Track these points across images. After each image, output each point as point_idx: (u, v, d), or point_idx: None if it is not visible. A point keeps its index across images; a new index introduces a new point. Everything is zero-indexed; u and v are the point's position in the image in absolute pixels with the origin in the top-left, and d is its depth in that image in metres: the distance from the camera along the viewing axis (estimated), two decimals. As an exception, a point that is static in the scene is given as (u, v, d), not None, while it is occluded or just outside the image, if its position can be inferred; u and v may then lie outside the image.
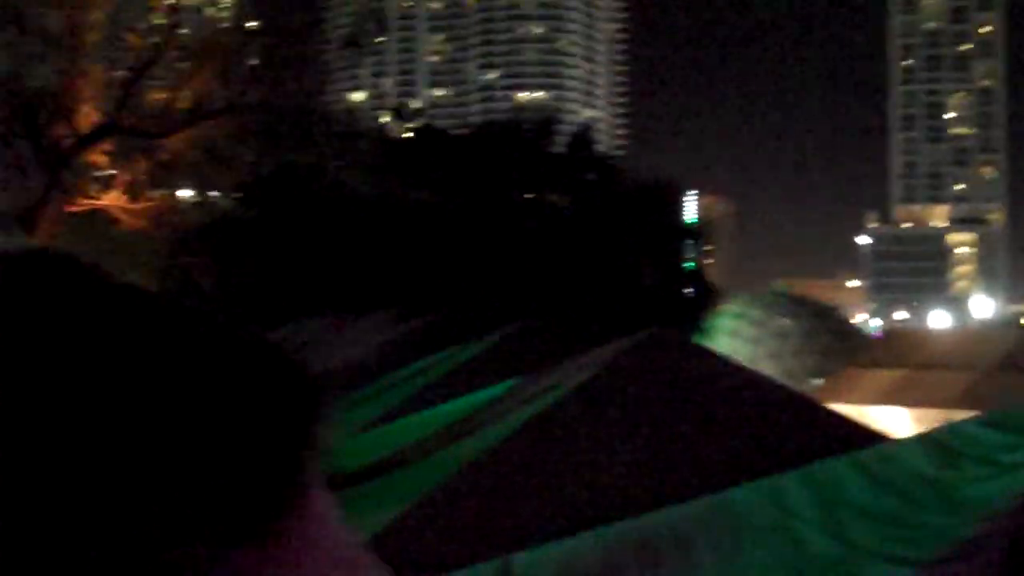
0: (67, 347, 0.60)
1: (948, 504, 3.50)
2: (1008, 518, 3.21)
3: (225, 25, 33.45)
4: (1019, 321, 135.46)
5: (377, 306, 21.22)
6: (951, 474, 3.66)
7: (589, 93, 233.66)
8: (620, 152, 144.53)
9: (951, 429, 3.94)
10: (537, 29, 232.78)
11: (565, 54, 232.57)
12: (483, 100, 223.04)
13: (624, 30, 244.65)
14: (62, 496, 0.53)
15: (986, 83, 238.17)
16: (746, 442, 5.66)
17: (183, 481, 0.59)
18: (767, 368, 18.38)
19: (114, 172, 32.19)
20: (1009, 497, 3.27)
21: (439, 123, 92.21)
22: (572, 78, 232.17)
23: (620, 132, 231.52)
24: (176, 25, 28.00)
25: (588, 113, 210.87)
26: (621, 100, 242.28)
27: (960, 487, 3.55)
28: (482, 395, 7.89)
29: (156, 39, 28.74)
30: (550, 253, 35.43)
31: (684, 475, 5.14)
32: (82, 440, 0.56)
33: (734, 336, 25.53)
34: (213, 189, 42.15)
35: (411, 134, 52.70)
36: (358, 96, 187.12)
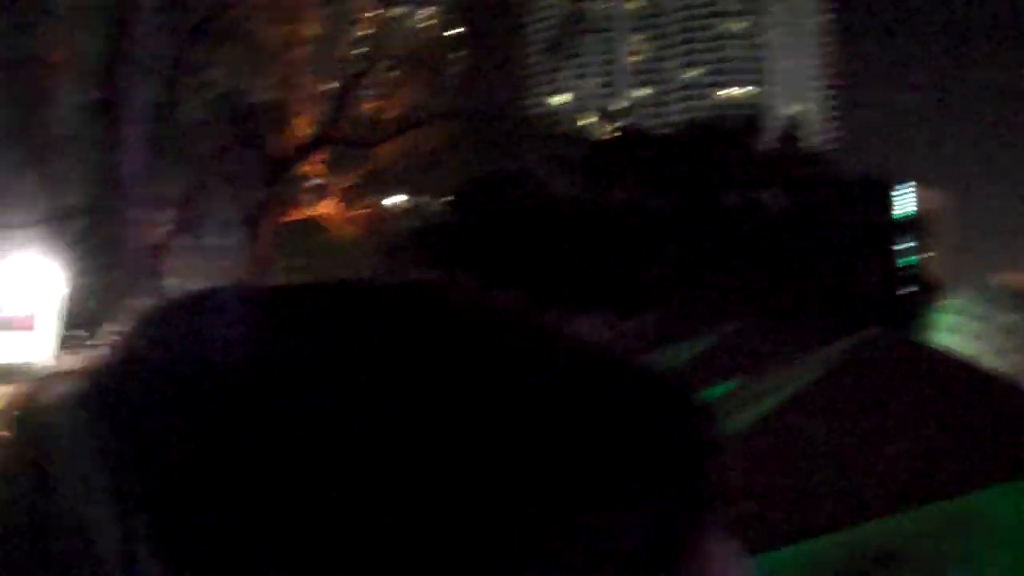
0: (448, 381, 0.60)
1: None
2: None
3: (431, 35, 34.03)
4: None
5: (588, 309, 21.27)
6: None
7: (796, 87, 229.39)
8: (831, 146, 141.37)
9: None
10: (739, 24, 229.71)
11: (769, 48, 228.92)
12: (685, 99, 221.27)
13: (832, 20, 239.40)
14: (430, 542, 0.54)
15: None
16: (987, 443, 5.41)
17: (571, 525, 0.57)
18: (991, 366, 17.75)
19: (328, 181, 33.10)
20: None
21: (643, 123, 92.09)
22: (777, 72, 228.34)
23: (829, 126, 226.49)
24: (384, 37, 28.58)
25: (795, 107, 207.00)
26: (829, 92, 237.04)
27: None
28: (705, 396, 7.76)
29: (366, 51, 29.42)
30: (761, 252, 34.88)
31: (924, 479, 4.94)
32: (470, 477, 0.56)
33: (956, 333, 24.68)
34: (423, 196, 42.97)
35: (614, 135, 52.66)
36: (560, 99, 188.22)
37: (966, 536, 3.79)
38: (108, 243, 11.01)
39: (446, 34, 34.25)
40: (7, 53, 22.91)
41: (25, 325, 49.69)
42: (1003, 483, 4.00)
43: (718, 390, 7.60)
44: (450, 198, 39.78)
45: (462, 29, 34.60)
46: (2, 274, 40.84)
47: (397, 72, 30.18)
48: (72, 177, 21.48)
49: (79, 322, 11.24)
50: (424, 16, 36.85)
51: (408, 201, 47.14)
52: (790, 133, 47.75)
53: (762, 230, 36.70)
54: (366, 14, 30.24)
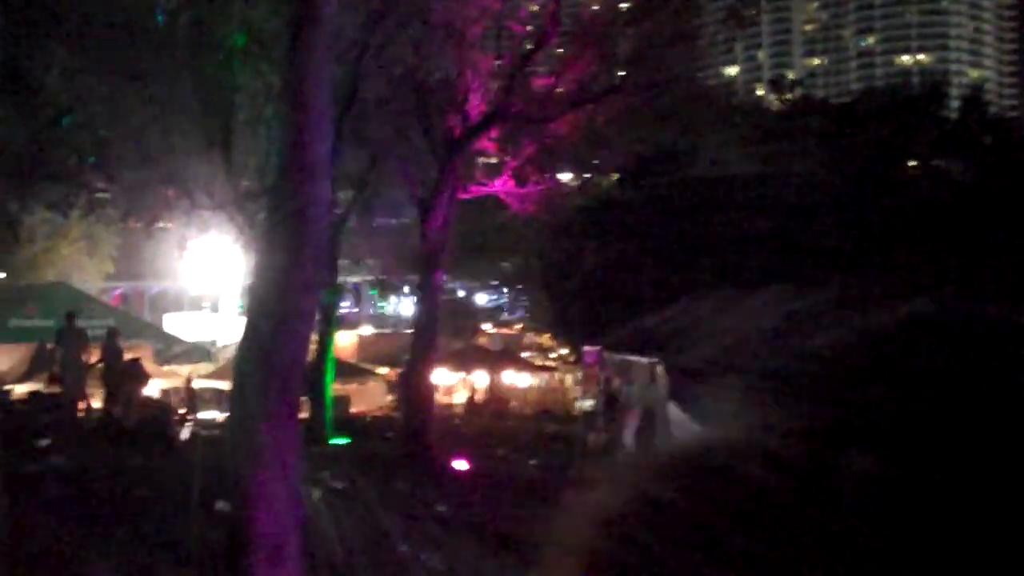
0: None
1: None
2: None
3: (604, 8, 33.80)
4: None
5: (764, 280, 20.88)
6: None
7: (977, 52, 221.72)
8: (1016, 113, 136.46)
9: None
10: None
11: (948, 13, 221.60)
12: (861, 67, 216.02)
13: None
14: None
15: None
16: None
17: None
18: None
19: (501, 159, 33.22)
20: None
21: (817, 93, 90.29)
22: (958, 38, 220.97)
23: (1014, 91, 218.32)
24: (556, 11, 28.49)
25: (976, 74, 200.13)
26: (1013, 57, 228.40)
27: None
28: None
29: (538, 26, 29.39)
30: (946, 224, 33.85)
31: None
32: None
33: None
34: (595, 171, 42.90)
35: (789, 106, 51.73)
36: (733, 71, 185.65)
37: None
38: (294, 227, 11.19)
39: (619, 7, 33.99)
40: (192, 37, 23.60)
41: (211, 306, 50.98)
42: None
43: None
44: (622, 173, 39.62)
45: (633, 2, 34.31)
46: (189, 256, 42.10)
47: (570, 47, 30.10)
48: (256, 160, 22.02)
49: (262, 304, 11.47)
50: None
51: (580, 178, 47.15)
52: (973, 100, 46.20)
53: (943, 199, 35.61)
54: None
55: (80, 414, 27.56)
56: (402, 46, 22.34)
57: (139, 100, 24.13)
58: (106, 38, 23.36)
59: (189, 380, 37.81)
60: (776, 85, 65.90)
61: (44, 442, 18.82)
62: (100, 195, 28.44)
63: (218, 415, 32.47)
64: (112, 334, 29.93)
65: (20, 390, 30.99)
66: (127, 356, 29.02)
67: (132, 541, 14.24)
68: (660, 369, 13.57)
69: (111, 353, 28.50)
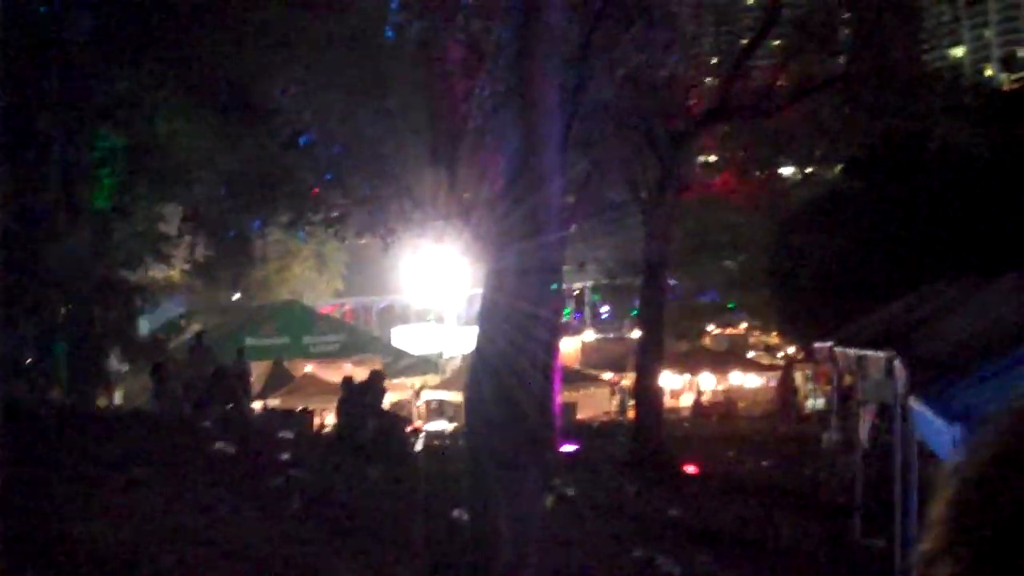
0: None
1: None
2: None
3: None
4: None
5: (1005, 268, 19.94)
6: None
7: None
8: None
9: None
10: None
11: None
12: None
13: None
14: None
15: None
16: None
17: None
18: None
19: (722, 154, 32.79)
20: None
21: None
22: None
23: None
24: (776, 3, 27.93)
25: None
26: None
27: None
28: None
29: (757, 18, 28.89)
30: None
31: None
32: None
33: None
34: (819, 163, 41.90)
35: (1020, 84, 49.57)
36: (959, 51, 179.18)
37: None
38: (525, 235, 11.16)
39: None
40: (419, 51, 24.02)
41: (436, 318, 51.74)
42: None
43: None
44: (846, 165, 38.55)
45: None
46: (414, 268, 42.83)
47: (789, 38, 29.49)
48: (485, 169, 22.23)
49: (494, 315, 11.49)
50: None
51: (803, 171, 46.17)
52: None
53: None
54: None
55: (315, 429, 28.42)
56: (625, 46, 22.21)
57: (372, 115, 24.69)
58: (337, 56, 23.99)
59: (419, 392, 38.53)
60: (1006, 63, 63.29)
61: (285, 455, 19.38)
62: (335, 212, 29.23)
63: (447, 425, 32.96)
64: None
65: (257, 406, 32.10)
66: (363, 369, 29.71)
67: (374, 550, 14.50)
68: (897, 363, 13.04)
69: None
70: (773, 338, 56.09)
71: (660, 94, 25.89)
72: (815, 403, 39.44)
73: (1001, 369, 11.02)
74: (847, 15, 31.77)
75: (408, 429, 29.57)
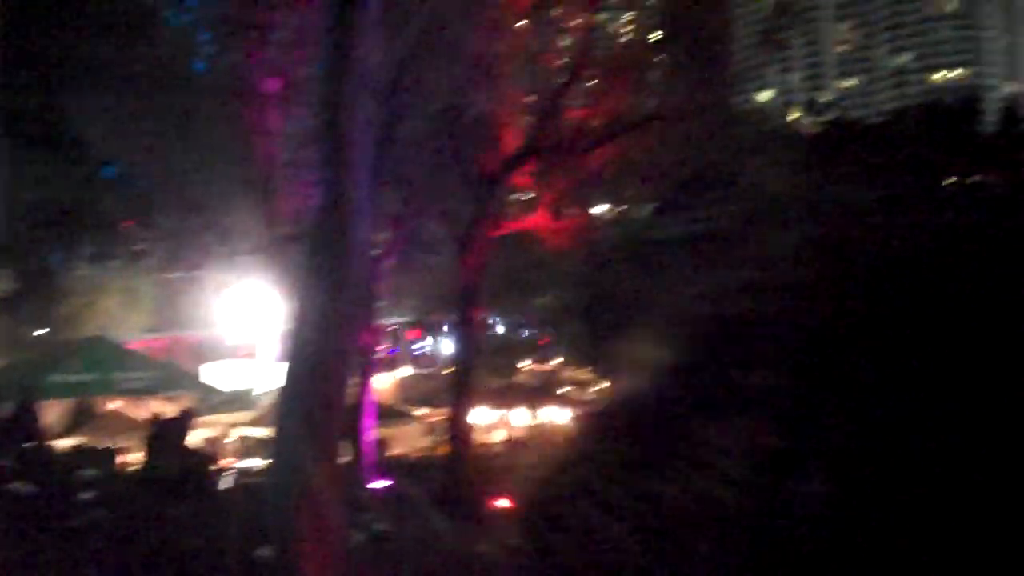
0: None
1: None
2: None
3: (634, 38, 33.77)
4: None
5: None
6: None
7: (1011, 65, 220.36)
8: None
9: None
10: (949, 5, 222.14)
11: (981, 28, 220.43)
12: (895, 86, 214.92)
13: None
14: None
15: None
16: None
17: None
18: None
19: (536, 193, 33.14)
20: None
21: (851, 113, 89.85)
22: (990, 52, 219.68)
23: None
24: (587, 44, 28.45)
25: (1012, 87, 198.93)
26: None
27: None
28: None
29: (570, 59, 29.33)
30: (986, 239, 33.45)
31: None
32: None
33: None
34: (631, 202, 42.74)
35: (823, 128, 51.54)
36: (766, 94, 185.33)
37: None
38: (334, 268, 11.11)
39: (650, 37, 33.95)
40: (229, 84, 23.69)
41: (247, 353, 50.90)
42: None
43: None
44: (659, 203, 39.47)
45: (665, 31, 34.26)
46: (225, 303, 42.16)
47: (602, 79, 30.02)
48: (296, 203, 22.03)
49: (303, 349, 11.38)
50: (627, 20, 36.66)
51: (615, 210, 46.99)
52: (1009, 113, 45.89)
53: (986, 215, 35.25)
54: (572, 22, 30.19)
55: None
56: (437, 84, 22.34)
57: (179, 149, 24.26)
58: (145, 88, 23.52)
59: (229, 429, 37.84)
60: (810, 108, 65.76)
61: (87, 495, 18.80)
62: (141, 245, 28.56)
63: (260, 462, 32.42)
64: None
65: (63, 444, 31.07)
66: (173, 406, 29.07)
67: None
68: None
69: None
70: (584, 373, 56.77)
71: (472, 132, 26.06)
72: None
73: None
74: (658, 57, 32.52)
75: (216, 466, 28.99)
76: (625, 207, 45.87)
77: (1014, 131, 42.63)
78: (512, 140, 27.53)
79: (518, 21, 27.90)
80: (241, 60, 23.47)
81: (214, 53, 24.64)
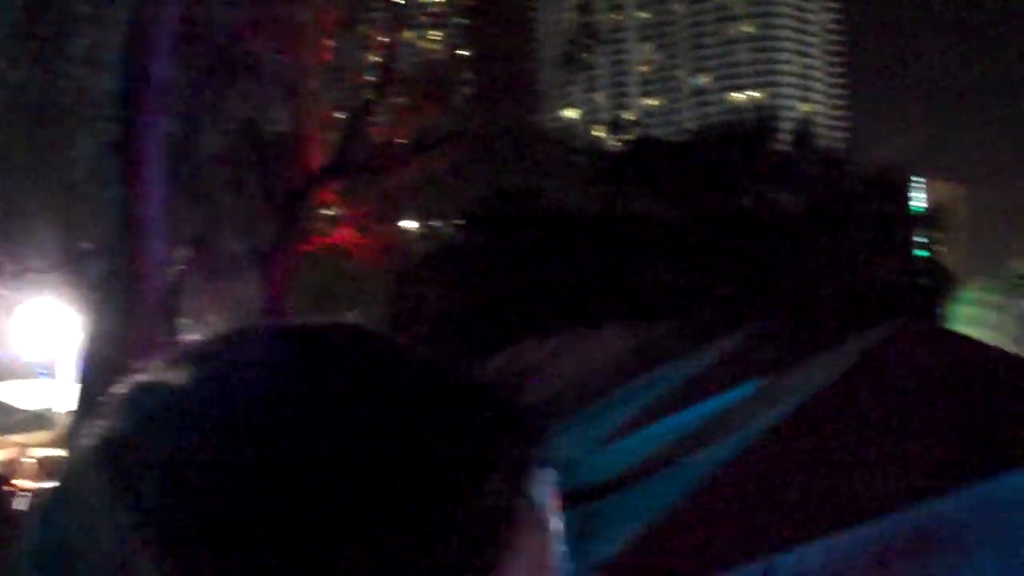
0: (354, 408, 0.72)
1: None
2: None
3: (440, 56, 34.14)
4: None
5: (608, 319, 21.28)
6: None
7: (806, 87, 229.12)
8: (843, 144, 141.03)
9: None
10: (748, 28, 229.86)
11: (778, 50, 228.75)
12: (697, 105, 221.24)
13: (838, 19, 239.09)
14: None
15: None
16: (1017, 427, 5.40)
17: (399, 525, 0.67)
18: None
19: (342, 210, 33.14)
20: None
21: (654, 132, 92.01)
22: (787, 74, 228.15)
23: (841, 124, 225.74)
24: (393, 62, 28.66)
25: (806, 108, 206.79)
26: (840, 91, 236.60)
27: None
28: (726, 398, 7.78)
29: (376, 77, 29.50)
30: (780, 253, 34.85)
31: (955, 464, 4.94)
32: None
33: (974, 324, 24.53)
34: (437, 218, 43.05)
35: (627, 146, 52.66)
36: (571, 113, 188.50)
37: (998, 517, 3.79)
38: (128, 286, 11.04)
39: (455, 54, 34.36)
40: (24, 97, 23.09)
41: (46, 372, 49.45)
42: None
43: (743, 390, 7.63)
44: (463, 219, 39.84)
45: (471, 50, 34.72)
46: (21, 320, 40.92)
47: (408, 96, 30.27)
48: (90, 219, 21.61)
49: (98, 367, 11.28)
50: (433, 38, 37.00)
51: (422, 225, 47.24)
52: (802, 134, 47.70)
53: (776, 231, 36.68)
54: (377, 39, 30.35)
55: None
56: (237, 100, 22.23)
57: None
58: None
59: (27, 450, 36.70)
60: (614, 126, 67.12)
61: None
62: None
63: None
64: None
65: None
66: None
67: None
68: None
69: None
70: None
71: (274, 149, 25.98)
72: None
73: (591, 416, 11.81)
74: (463, 75, 32.92)
75: (11, 488, 28.10)
76: (433, 223, 46.18)
77: (805, 152, 44.36)
78: (317, 156, 27.51)
79: (324, 37, 27.91)
80: (35, 75, 22.95)
81: (5, 67, 24.01)
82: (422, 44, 36.22)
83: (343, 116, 29.29)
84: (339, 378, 0.72)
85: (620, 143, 56.16)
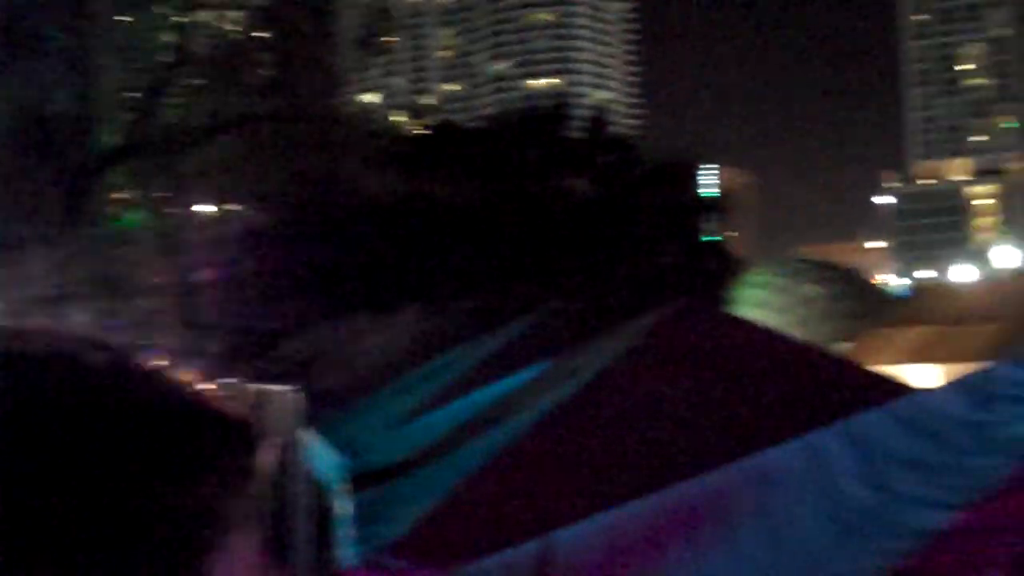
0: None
1: (985, 446, 3.52)
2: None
3: (236, 37, 33.54)
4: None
5: (406, 303, 21.36)
6: (987, 416, 3.66)
7: (601, 75, 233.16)
8: (636, 132, 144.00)
9: (985, 373, 3.93)
10: (546, 16, 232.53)
11: (575, 38, 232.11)
12: (496, 91, 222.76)
13: (633, 8, 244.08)
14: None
15: (1000, 32, 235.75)
16: (785, 403, 5.68)
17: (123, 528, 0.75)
18: (796, 336, 18.31)
19: (134, 192, 32.33)
20: (1045, 435, 3.28)
21: (454, 117, 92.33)
22: (584, 62, 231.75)
23: (635, 111, 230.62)
24: (188, 42, 28.07)
25: (601, 95, 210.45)
26: (634, 79, 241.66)
27: (996, 428, 3.55)
28: (515, 380, 7.91)
29: (169, 57, 28.85)
30: (573, 238, 35.44)
31: (726, 441, 5.16)
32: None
33: (760, 307, 25.40)
34: (234, 201, 42.31)
35: (426, 131, 52.71)
36: (371, 97, 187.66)
37: (765, 490, 3.98)
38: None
39: (252, 36, 33.80)
40: None
41: None
42: (801, 436, 4.22)
43: (531, 372, 7.78)
44: (258, 203, 39.24)
45: (269, 32, 34.20)
46: None
47: (203, 77, 29.69)
48: None
49: None
50: (230, 19, 36.33)
51: (219, 209, 46.35)
52: (597, 120, 48.49)
53: (570, 216, 37.29)
54: (172, 19, 29.67)
55: None
56: (22, 76, 21.45)
57: None
58: None
59: None
60: (413, 111, 67.18)
61: None
62: None
63: None
64: None
65: None
66: None
67: None
68: (295, 396, 13.64)
69: None
70: (188, 374, 55.65)
71: (61, 129, 25.19)
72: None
73: (383, 399, 11.84)
74: (260, 57, 32.45)
75: None
76: (231, 206, 45.31)
77: (597, 137, 45.15)
78: (107, 137, 26.79)
79: (115, 15, 27.19)
80: None
81: None
82: (219, 25, 35.55)
83: (135, 96, 28.57)
84: (62, 401, 0.77)
85: (419, 128, 56.19)
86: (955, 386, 4.05)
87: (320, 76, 34.41)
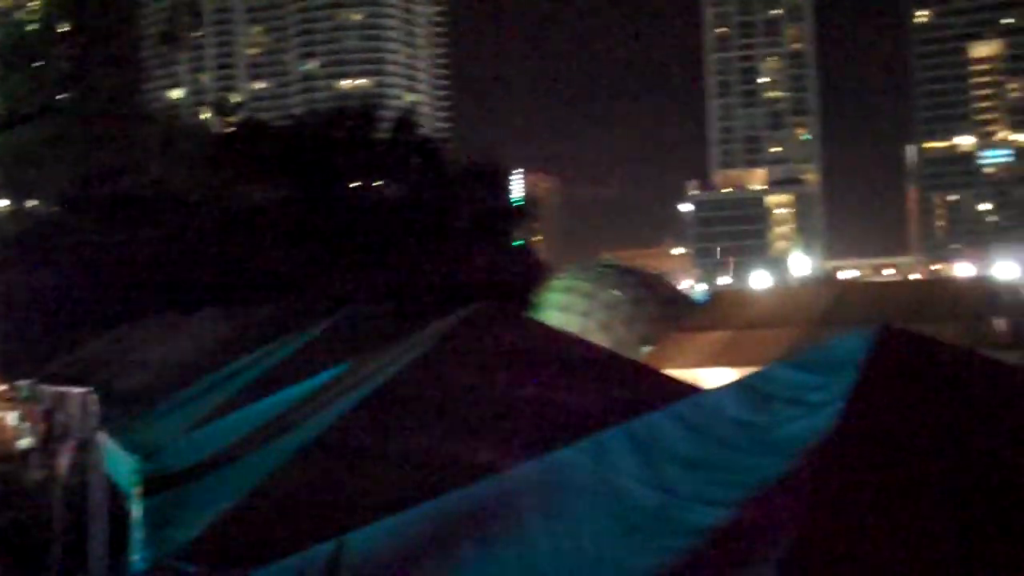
0: None
1: (761, 445, 3.64)
2: (815, 454, 3.36)
3: (35, 28, 32.49)
4: (835, 276, 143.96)
5: (207, 304, 20.97)
6: (763, 417, 3.78)
7: (411, 77, 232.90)
8: (444, 135, 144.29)
9: (762, 374, 4.09)
10: (356, 16, 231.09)
11: (385, 40, 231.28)
12: (305, 90, 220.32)
13: (443, 12, 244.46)
14: None
15: (797, 46, 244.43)
16: (576, 406, 5.80)
17: None
18: (599, 339, 18.61)
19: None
20: (816, 434, 3.42)
21: (262, 116, 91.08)
22: (393, 63, 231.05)
23: (443, 114, 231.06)
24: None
25: (411, 97, 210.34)
26: (443, 82, 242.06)
27: (772, 428, 3.68)
28: (314, 382, 7.89)
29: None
30: (379, 239, 35.37)
31: (517, 442, 5.25)
32: None
33: (564, 310, 25.70)
34: (31, 197, 40.92)
35: (233, 128, 51.92)
36: (177, 93, 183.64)
37: (550, 490, 4.06)
38: None
39: (51, 27, 32.80)
40: None
41: None
42: (587, 438, 4.32)
43: (329, 374, 7.77)
44: (58, 199, 38.08)
45: (71, 23, 33.24)
46: None
47: (-4, 66, 28.71)
48: None
49: None
50: (30, 8, 35.17)
51: (12, 203, 44.82)
52: (406, 122, 48.55)
53: (376, 218, 37.21)
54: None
55: None
56: None
57: None
58: None
59: None
60: (220, 108, 66.01)
61: None
62: None
63: None
64: None
65: None
66: None
67: None
68: (91, 398, 13.33)
69: None
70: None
71: None
72: (28, 442, 38.30)
73: (181, 401, 11.64)
74: (59, 49, 31.57)
75: None
76: (27, 201, 43.84)
77: (405, 139, 45.23)
78: None
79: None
80: None
81: None
82: (17, 15, 34.37)
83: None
84: None
85: (226, 125, 55.30)
86: (734, 387, 4.20)
87: (124, 70, 33.63)
